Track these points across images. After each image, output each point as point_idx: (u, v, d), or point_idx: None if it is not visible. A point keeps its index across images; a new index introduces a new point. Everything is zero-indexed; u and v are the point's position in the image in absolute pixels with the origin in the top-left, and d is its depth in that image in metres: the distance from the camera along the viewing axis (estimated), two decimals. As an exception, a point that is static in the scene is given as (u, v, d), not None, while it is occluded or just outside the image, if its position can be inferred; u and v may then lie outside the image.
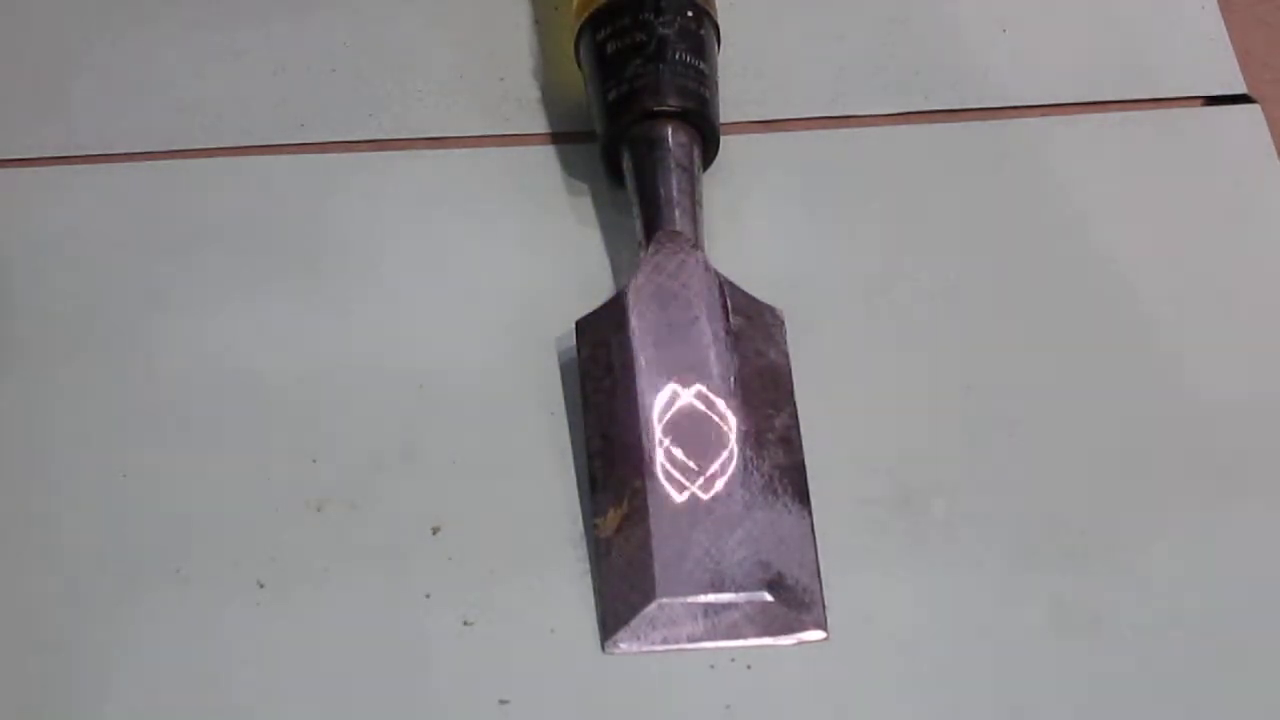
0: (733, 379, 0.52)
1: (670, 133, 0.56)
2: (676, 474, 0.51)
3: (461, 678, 0.48)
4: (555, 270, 0.56)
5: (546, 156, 0.59)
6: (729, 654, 0.49)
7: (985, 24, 0.62)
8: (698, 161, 0.56)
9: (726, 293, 0.54)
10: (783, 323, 0.54)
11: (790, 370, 0.53)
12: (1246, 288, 0.56)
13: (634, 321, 0.53)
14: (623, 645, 0.49)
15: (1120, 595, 0.50)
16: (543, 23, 0.62)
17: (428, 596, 0.50)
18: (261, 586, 0.50)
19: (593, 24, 0.57)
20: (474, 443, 0.52)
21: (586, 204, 0.58)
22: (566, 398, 0.53)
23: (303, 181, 0.58)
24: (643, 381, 0.52)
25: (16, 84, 0.61)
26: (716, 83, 0.57)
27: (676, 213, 0.55)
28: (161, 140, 0.59)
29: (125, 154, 0.59)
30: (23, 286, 0.56)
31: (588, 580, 0.50)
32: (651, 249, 0.54)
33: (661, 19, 0.57)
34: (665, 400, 0.52)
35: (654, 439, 0.51)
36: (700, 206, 0.55)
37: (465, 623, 0.49)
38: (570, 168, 0.58)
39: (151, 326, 0.55)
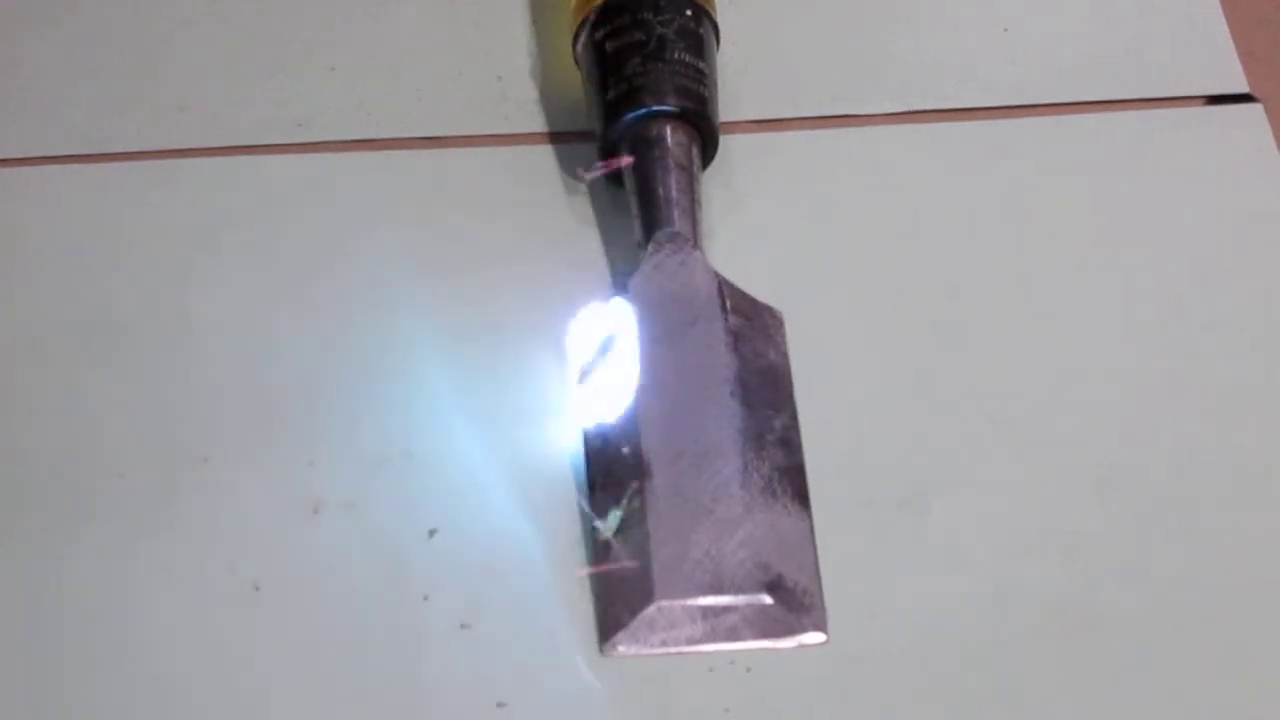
0: (732, 379, 0.52)
1: (669, 132, 0.56)
2: (676, 475, 0.51)
3: (459, 681, 0.48)
4: (555, 270, 0.56)
5: (546, 156, 0.59)
6: (728, 656, 0.49)
7: (986, 24, 0.62)
8: (697, 161, 0.56)
9: (726, 293, 0.54)
10: (783, 323, 0.54)
11: (790, 370, 0.53)
12: (1247, 288, 0.56)
13: (634, 321, 0.53)
14: (621, 648, 0.49)
15: (1120, 595, 0.50)
16: (541, 22, 0.62)
17: (425, 599, 0.50)
18: (258, 589, 0.50)
19: (591, 23, 0.57)
20: (472, 444, 0.52)
21: (586, 204, 0.58)
22: (566, 398, 0.53)
23: (302, 181, 0.58)
24: (642, 382, 0.52)
25: (14, 83, 0.61)
26: (716, 82, 0.57)
27: (676, 212, 0.55)
28: (160, 140, 0.59)
29: (123, 153, 0.59)
30: (21, 286, 0.56)
31: (587, 582, 0.50)
32: (651, 249, 0.54)
33: (660, 18, 0.57)
34: (665, 401, 0.52)
35: (653, 440, 0.51)
36: (700, 206, 0.55)
37: (463, 625, 0.49)
38: (570, 168, 0.58)
39: (149, 326, 0.55)
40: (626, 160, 0.55)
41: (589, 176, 0.56)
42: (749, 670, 0.49)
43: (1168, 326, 0.55)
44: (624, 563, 0.49)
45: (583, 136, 0.59)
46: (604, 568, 0.50)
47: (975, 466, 0.52)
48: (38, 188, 0.58)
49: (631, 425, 0.51)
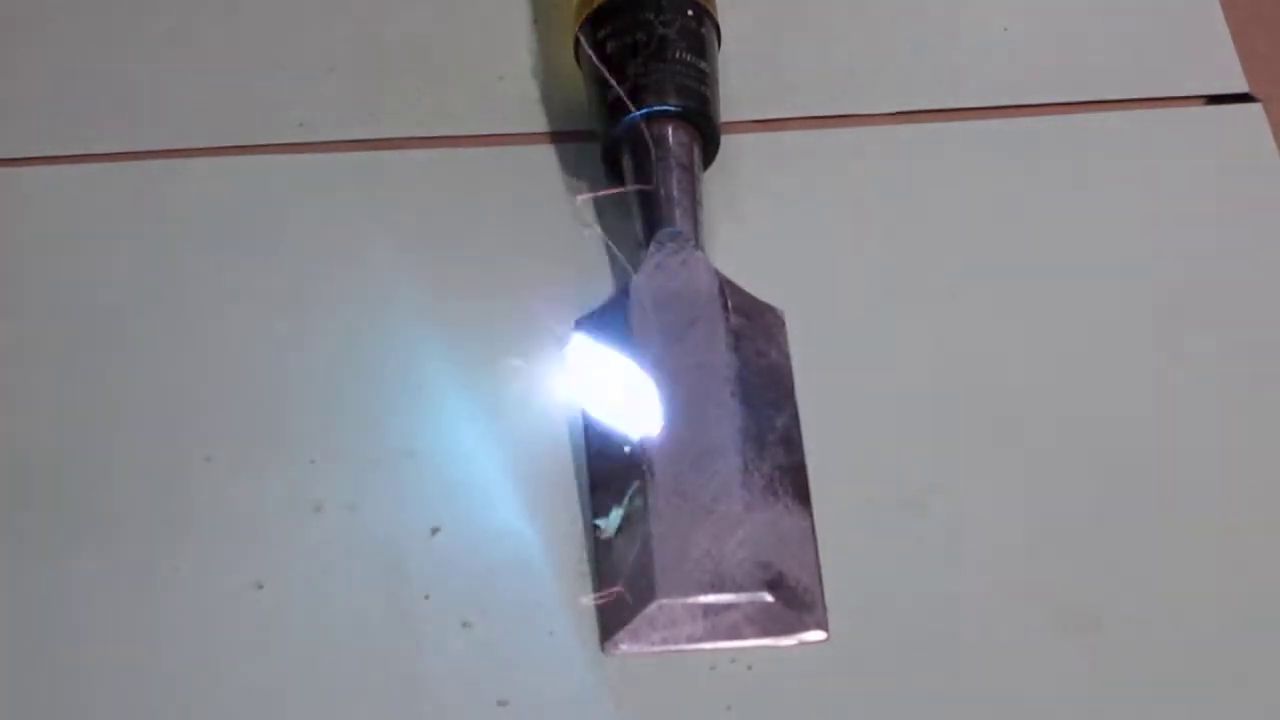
0: (733, 379, 0.52)
1: (670, 132, 0.56)
2: (677, 474, 0.51)
3: (461, 679, 0.48)
4: (555, 270, 0.56)
5: (546, 156, 0.59)
6: (729, 654, 0.49)
7: (985, 24, 0.62)
8: (698, 161, 0.56)
9: (727, 292, 0.54)
10: (783, 323, 0.54)
11: (790, 370, 0.53)
12: (1246, 287, 0.56)
13: (634, 321, 0.53)
14: (623, 646, 0.49)
15: (1120, 595, 0.50)
16: (542, 22, 0.62)
17: (427, 598, 0.50)
18: (260, 587, 0.50)
19: (593, 23, 0.57)
20: (474, 443, 0.52)
21: (586, 204, 0.58)
22: (566, 398, 0.53)
23: (303, 181, 0.58)
24: (643, 381, 0.52)
25: (16, 83, 0.61)
26: (717, 82, 0.57)
27: (677, 212, 0.55)
28: (160, 140, 0.59)
29: (124, 153, 0.59)
30: (21, 286, 0.56)
31: (588, 580, 0.50)
32: (652, 249, 0.54)
33: (662, 18, 0.57)
34: (666, 400, 0.52)
35: (654, 439, 0.51)
36: (700, 206, 0.55)
37: (464, 624, 0.49)
38: (570, 168, 0.58)
39: (150, 326, 0.55)
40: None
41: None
42: (750, 668, 0.49)
43: (1167, 325, 0.55)
44: (625, 561, 0.50)
45: (584, 137, 0.59)
46: (605, 566, 0.50)
47: (975, 466, 0.52)
48: (38, 188, 0.58)
49: (633, 424, 0.51)
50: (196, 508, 0.51)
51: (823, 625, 0.49)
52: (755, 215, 0.57)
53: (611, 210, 0.57)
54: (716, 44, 0.58)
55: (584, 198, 0.57)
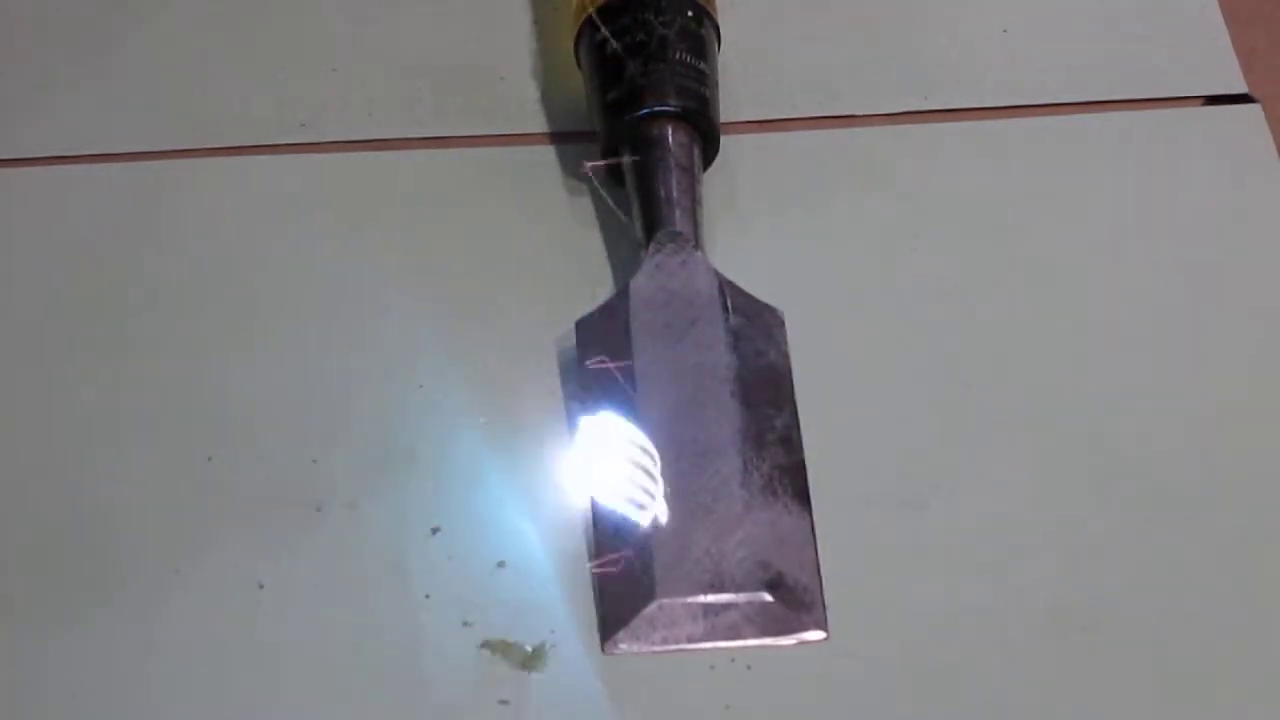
0: (733, 379, 0.52)
1: (670, 132, 0.56)
2: (677, 474, 0.51)
3: (461, 678, 0.48)
4: (555, 270, 0.56)
5: (546, 156, 0.59)
6: (729, 654, 0.49)
7: (985, 24, 0.62)
8: (698, 161, 0.56)
9: (726, 293, 0.54)
10: (783, 323, 0.54)
11: (790, 370, 0.53)
12: (1245, 287, 0.56)
13: (634, 321, 0.53)
14: (623, 645, 0.49)
15: (1120, 595, 0.50)
16: (542, 23, 0.62)
17: (427, 597, 0.50)
18: (261, 587, 0.50)
19: (593, 23, 0.57)
20: (474, 443, 0.52)
21: (586, 204, 0.58)
22: (566, 398, 0.53)
23: (303, 181, 0.58)
24: (642, 382, 0.52)
25: (15, 83, 0.61)
26: (717, 82, 0.57)
27: (676, 213, 0.55)
28: (161, 140, 0.59)
29: (124, 154, 0.59)
30: (22, 286, 0.56)
31: (588, 580, 0.50)
32: (651, 249, 0.54)
33: (662, 19, 0.57)
34: (665, 400, 0.52)
35: (654, 439, 0.51)
36: (700, 206, 0.55)
37: (465, 623, 0.49)
38: (570, 168, 0.58)
39: (150, 326, 0.55)
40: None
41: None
42: (749, 668, 0.49)
43: (1166, 326, 0.55)
44: (625, 560, 0.50)
45: (584, 137, 0.59)
46: (605, 567, 0.50)
47: (975, 466, 0.52)
48: (38, 188, 0.58)
49: (632, 424, 0.51)
50: (196, 508, 0.51)
51: (822, 625, 0.49)
52: (755, 215, 0.57)
53: (612, 210, 0.57)
54: (716, 45, 0.58)
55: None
